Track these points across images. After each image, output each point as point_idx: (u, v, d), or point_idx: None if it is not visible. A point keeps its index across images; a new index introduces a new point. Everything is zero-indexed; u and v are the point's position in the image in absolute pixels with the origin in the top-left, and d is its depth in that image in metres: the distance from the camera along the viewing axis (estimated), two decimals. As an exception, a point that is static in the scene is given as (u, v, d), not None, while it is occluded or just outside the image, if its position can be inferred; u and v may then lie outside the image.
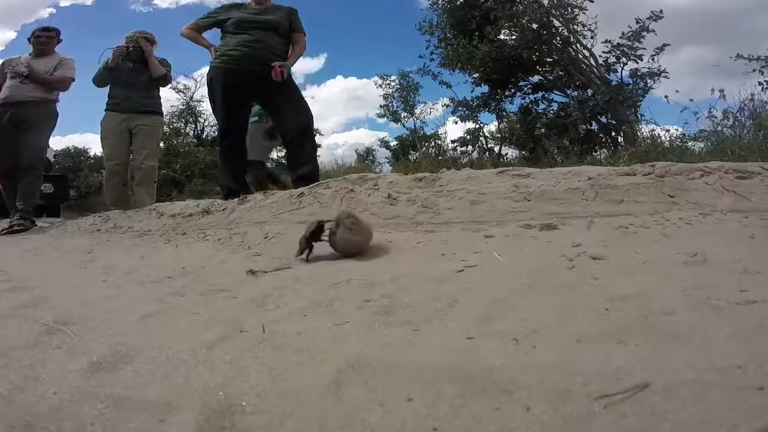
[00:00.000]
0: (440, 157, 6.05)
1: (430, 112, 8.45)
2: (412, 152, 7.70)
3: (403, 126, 8.66)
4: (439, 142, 7.83)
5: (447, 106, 7.27)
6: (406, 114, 8.47)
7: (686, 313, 0.71)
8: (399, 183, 1.71)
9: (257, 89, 2.83)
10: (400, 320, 0.79)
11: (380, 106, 8.79)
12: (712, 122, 3.38)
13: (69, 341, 0.76)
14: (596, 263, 1.00)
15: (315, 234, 1.31)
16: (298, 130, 2.84)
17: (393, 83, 8.38)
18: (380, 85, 8.52)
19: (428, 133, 8.23)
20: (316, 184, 2.14)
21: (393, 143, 9.18)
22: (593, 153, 4.84)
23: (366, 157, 9.45)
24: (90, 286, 1.24)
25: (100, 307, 1.00)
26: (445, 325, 0.76)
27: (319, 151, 8.10)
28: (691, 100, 4.59)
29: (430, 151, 7.20)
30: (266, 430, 0.48)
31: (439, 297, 0.90)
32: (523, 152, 6.13)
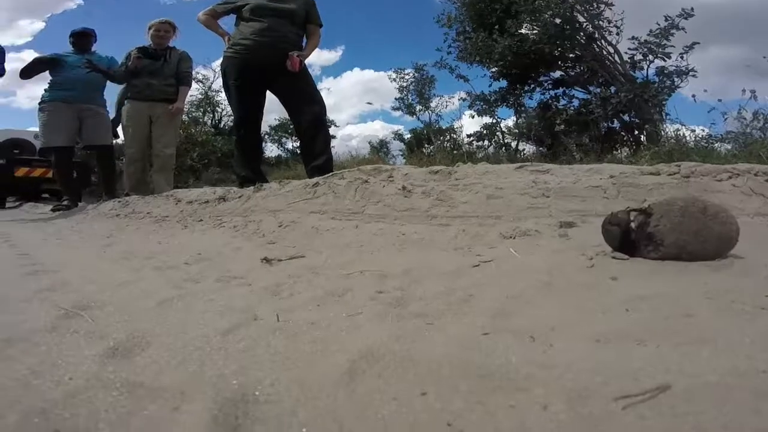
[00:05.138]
0: (455, 151, 5.97)
1: (446, 106, 8.33)
2: (426, 145, 7.63)
3: (418, 119, 8.58)
4: (455, 136, 7.73)
5: (463, 100, 7.17)
6: (421, 107, 8.38)
7: (708, 316, 0.68)
8: (414, 175, 1.69)
9: (271, 79, 2.83)
10: (414, 313, 0.78)
11: (395, 98, 8.72)
12: (740, 123, 3.24)
13: (86, 326, 0.77)
14: (616, 263, 0.98)
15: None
16: (312, 121, 2.83)
17: (408, 76, 8.29)
18: (395, 79, 8.45)
19: (443, 127, 8.14)
20: (330, 174, 2.14)
21: (407, 136, 9.09)
22: (614, 151, 4.72)
23: (380, 149, 9.39)
24: (108, 271, 1.26)
25: (117, 292, 1.02)
26: (460, 319, 0.75)
27: (333, 143, 8.10)
28: (720, 100, 4.42)
29: (445, 145, 7.11)
30: (279, 419, 0.48)
31: (453, 291, 0.89)
32: (541, 148, 6.01)
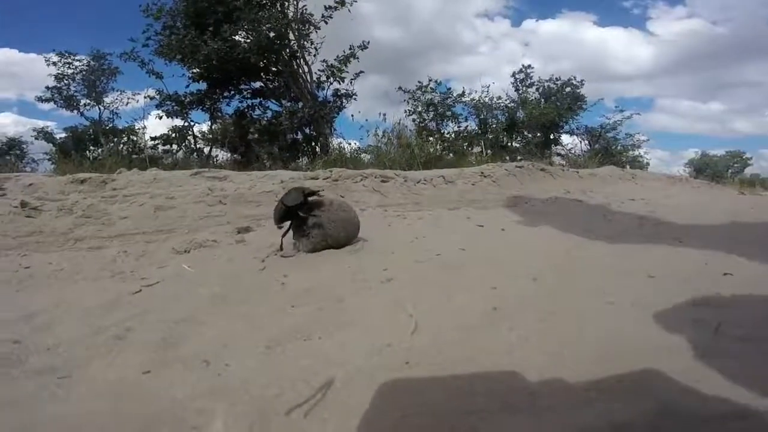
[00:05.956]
0: (135, 156, 5.07)
1: (127, 103, 6.93)
2: (93, 148, 6.08)
3: (82, 115, 6.71)
4: (135, 138, 6.56)
5: (152, 98, 6.19)
6: (89, 101, 6.60)
7: (352, 298, 0.81)
8: (46, 186, 1.26)
9: None
10: (37, 369, 0.60)
11: (47, 87, 6.46)
12: (376, 139, 4.48)
13: None
14: (285, 261, 1.07)
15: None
16: None
17: (79, 63, 6.38)
18: (55, 63, 6.28)
19: (120, 127, 6.73)
20: None
21: (61, 135, 6.91)
22: (297, 160, 5.38)
23: (9, 150, 6.70)
24: None
25: None
26: (111, 362, 0.62)
27: None
28: (367, 120, 5.93)
29: (120, 148, 5.91)
30: None
31: (103, 329, 0.72)
32: (235, 156, 6.06)
